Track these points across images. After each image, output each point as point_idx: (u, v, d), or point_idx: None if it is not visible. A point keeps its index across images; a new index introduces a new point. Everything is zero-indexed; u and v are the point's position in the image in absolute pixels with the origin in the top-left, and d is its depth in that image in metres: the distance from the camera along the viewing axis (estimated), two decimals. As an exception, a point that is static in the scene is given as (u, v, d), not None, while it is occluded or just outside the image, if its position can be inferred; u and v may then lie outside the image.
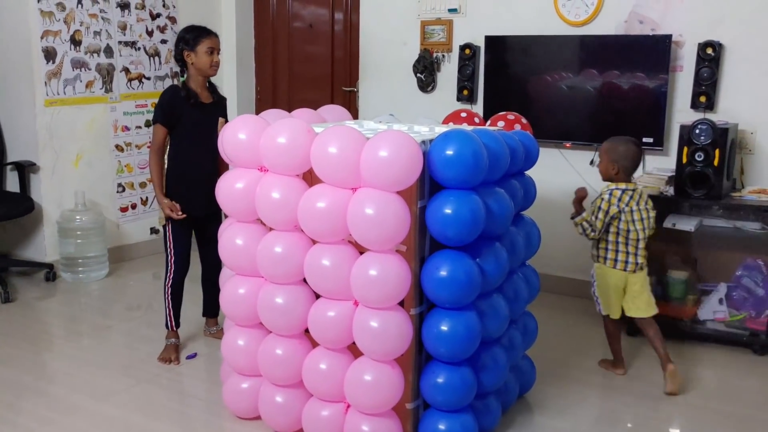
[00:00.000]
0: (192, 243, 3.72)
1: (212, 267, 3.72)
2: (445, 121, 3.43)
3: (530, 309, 3.22)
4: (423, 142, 2.55)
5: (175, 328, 3.67)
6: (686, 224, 3.83)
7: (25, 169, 4.75)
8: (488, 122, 3.39)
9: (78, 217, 4.81)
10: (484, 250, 2.63)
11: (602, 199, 3.34)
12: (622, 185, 3.34)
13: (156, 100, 3.59)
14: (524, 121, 3.35)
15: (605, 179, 3.42)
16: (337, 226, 2.51)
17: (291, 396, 2.78)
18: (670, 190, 3.86)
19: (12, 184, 4.85)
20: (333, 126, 2.59)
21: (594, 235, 3.35)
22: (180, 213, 3.49)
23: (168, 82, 5.51)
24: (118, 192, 5.23)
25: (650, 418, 3.13)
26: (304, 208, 2.53)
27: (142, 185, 5.40)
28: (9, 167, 4.86)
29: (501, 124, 3.30)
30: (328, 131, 2.52)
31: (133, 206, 5.37)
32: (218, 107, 3.64)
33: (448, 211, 2.48)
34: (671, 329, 3.91)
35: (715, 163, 3.71)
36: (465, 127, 3.09)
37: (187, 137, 3.55)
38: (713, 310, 3.83)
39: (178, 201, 3.53)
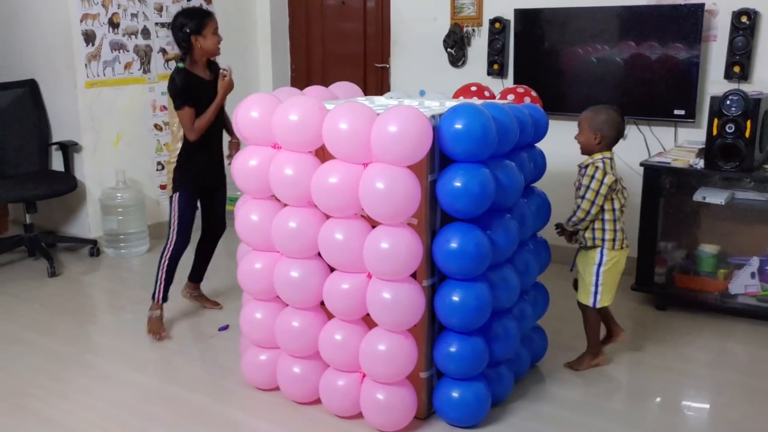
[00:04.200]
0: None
1: (214, 229, 3.91)
2: (455, 96, 3.43)
3: (542, 280, 3.23)
4: (432, 116, 2.57)
5: (162, 302, 3.69)
6: (717, 197, 3.76)
7: (69, 149, 4.93)
8: (498, 96, 3.38)
9: (119, 194, 4.96)
10: (495, 223, 2.66)
11: (596, 168, 3.02)
12: (608, 154, 3.08)
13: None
14: (534, 93, 3.33)
15: (585, 152, 3.11)
16: (349, 201, 2.56)
17: (308, 367, 2.86)
18: (700, 163, 3.79)
19: (57, 163, 5.06)
20: (344, 102, 2.63)
21: (591, 216, 3.04)
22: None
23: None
24: (157, 170, 5.37)
25: (665, 389, 3.12)
26: (317, 184, 2.59)
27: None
28: (54, 147, 5.06)
29: (511, 97, 3.29)
30: (339, 108, 2.56)
31: (173, 184, 5.50)
32: (216, 82, 3.65)
33: (457, 184, 2.51)
34: (701, 303, 3.87)
35: (747, 134, 3.62)
36: (474, 101, 3.10)
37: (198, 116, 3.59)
38: (745, 284, 3.76)
39: (193, 176, 3.63)
